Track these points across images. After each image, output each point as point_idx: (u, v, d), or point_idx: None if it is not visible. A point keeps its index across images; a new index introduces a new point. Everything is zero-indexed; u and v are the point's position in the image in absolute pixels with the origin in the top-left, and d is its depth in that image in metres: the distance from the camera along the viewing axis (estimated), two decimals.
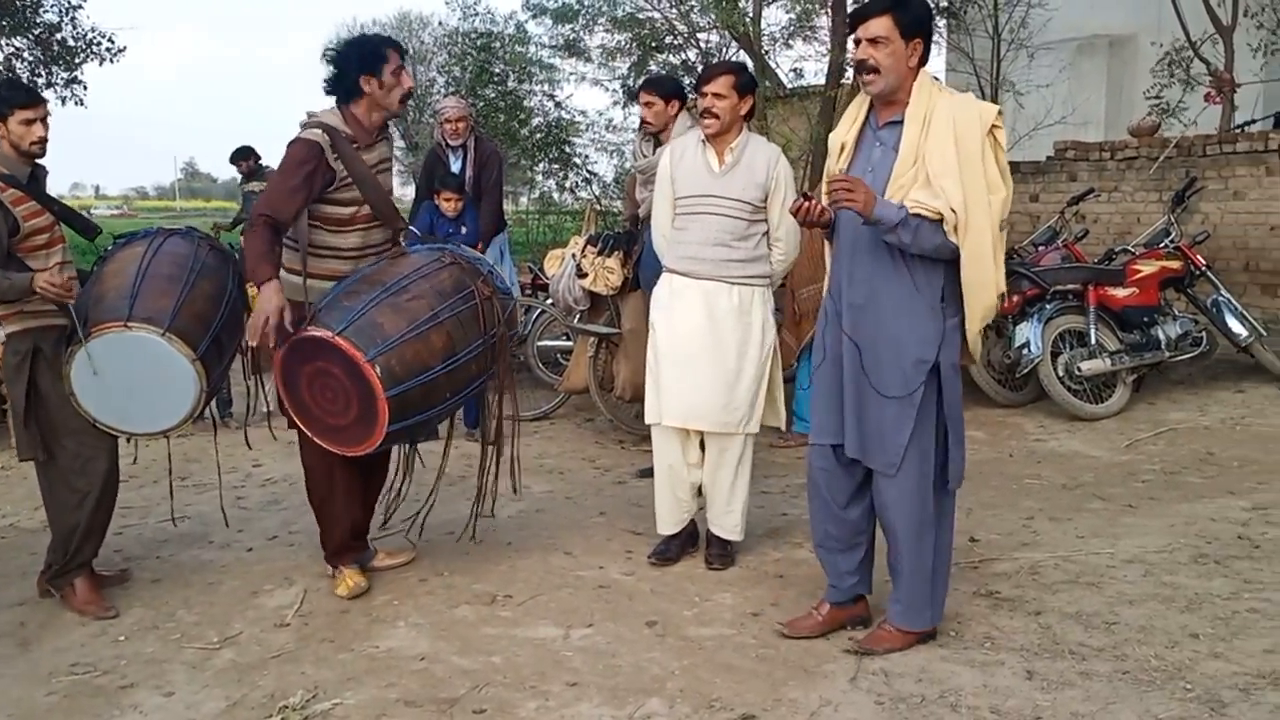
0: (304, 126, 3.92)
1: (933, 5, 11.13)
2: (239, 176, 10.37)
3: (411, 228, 4.24)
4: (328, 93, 4.01)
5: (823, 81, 10.67)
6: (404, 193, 16.17)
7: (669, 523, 4.43)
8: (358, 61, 3.92)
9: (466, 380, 3.96)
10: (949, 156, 3.26)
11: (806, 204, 3.49)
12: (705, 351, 4.19)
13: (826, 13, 10.76)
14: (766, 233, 4.25)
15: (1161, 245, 7.43)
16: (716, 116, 4.16)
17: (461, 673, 3.47)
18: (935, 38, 11.83)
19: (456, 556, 4.47)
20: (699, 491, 4.40)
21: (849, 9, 10.19)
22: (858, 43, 3.35)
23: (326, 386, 3.77)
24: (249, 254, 3.82)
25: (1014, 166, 10.33)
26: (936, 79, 3.47)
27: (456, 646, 3.67)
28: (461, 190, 6.61)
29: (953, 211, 3.23)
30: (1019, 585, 4.05)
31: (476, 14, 12.72)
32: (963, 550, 4.45)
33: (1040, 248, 8.06)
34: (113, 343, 3.67)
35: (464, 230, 6.52)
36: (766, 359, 4.26)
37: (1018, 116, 10.71)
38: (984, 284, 3.31)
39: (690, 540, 4.49)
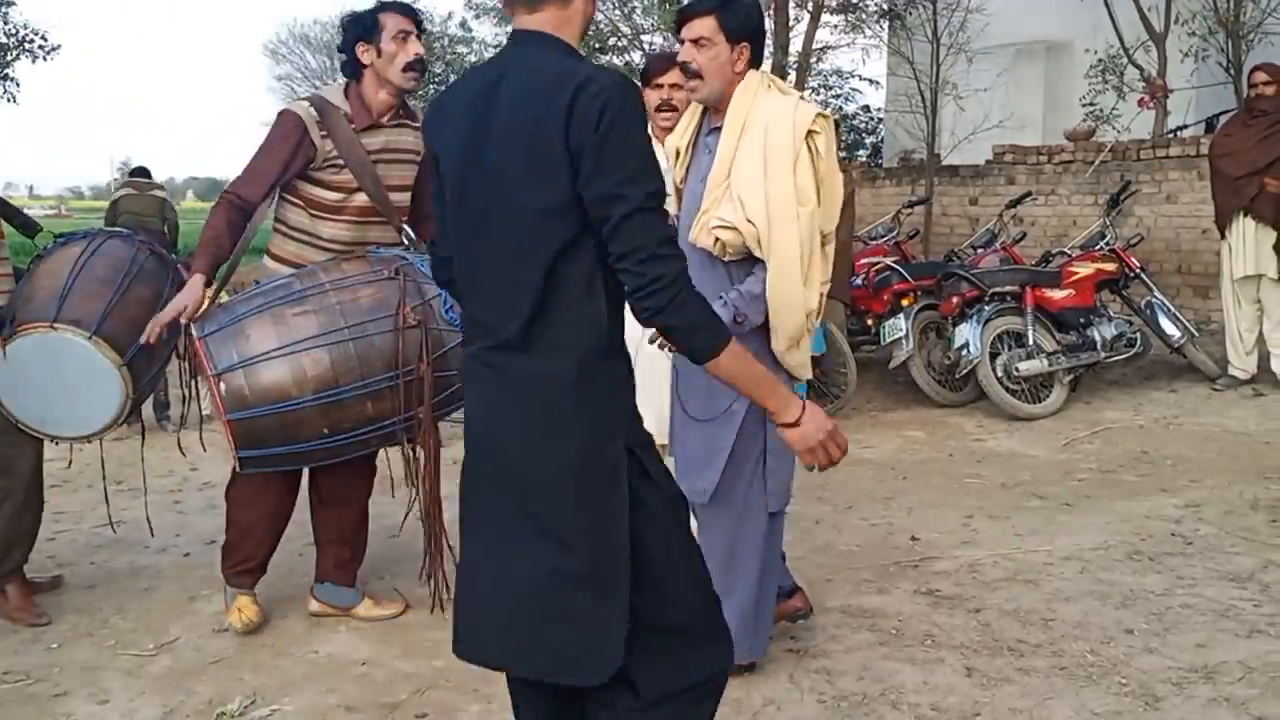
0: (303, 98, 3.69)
1: (876, 8, 11.30)
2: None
3: (408, 229, 3.86)
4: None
5: None
6: None
7: None
8: (353, 30, 3.60)
9: (362, 420, 3.46)
10: (755, 166, 3.08)
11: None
12: (646, 359, 4.05)
13: (769, 15, 10.82)
14: None
15: (1097, 248, 7.56)
16: (675, 109, 4.04)
17: (403, 677, 3.44)
18: (876, 41, 12.09)
19: (403, 560, 4.42)
20: None
21: (790, 10, 10.27)
22: (682, 43, 3.18)
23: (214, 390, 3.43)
24: (202, 234, 3.54)
25: (953, 170, 10.49)
26: (774, 79, 3.28)
27: (398, 651, 3.63)
28: None
29: (750, 224, 3.05)
30: (959, 583, 4.10)
31: None
32: (904, 549, 4.50)
33: (979, 250, 8.17)
34: (37, 343, 3.55)
35: None
36: None
37: (958, 120, 10.84)
38: (791, 303, 3.08)
39: None
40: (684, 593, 2.17)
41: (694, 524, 3.21)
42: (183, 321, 3.41)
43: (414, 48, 3.61)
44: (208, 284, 3.52)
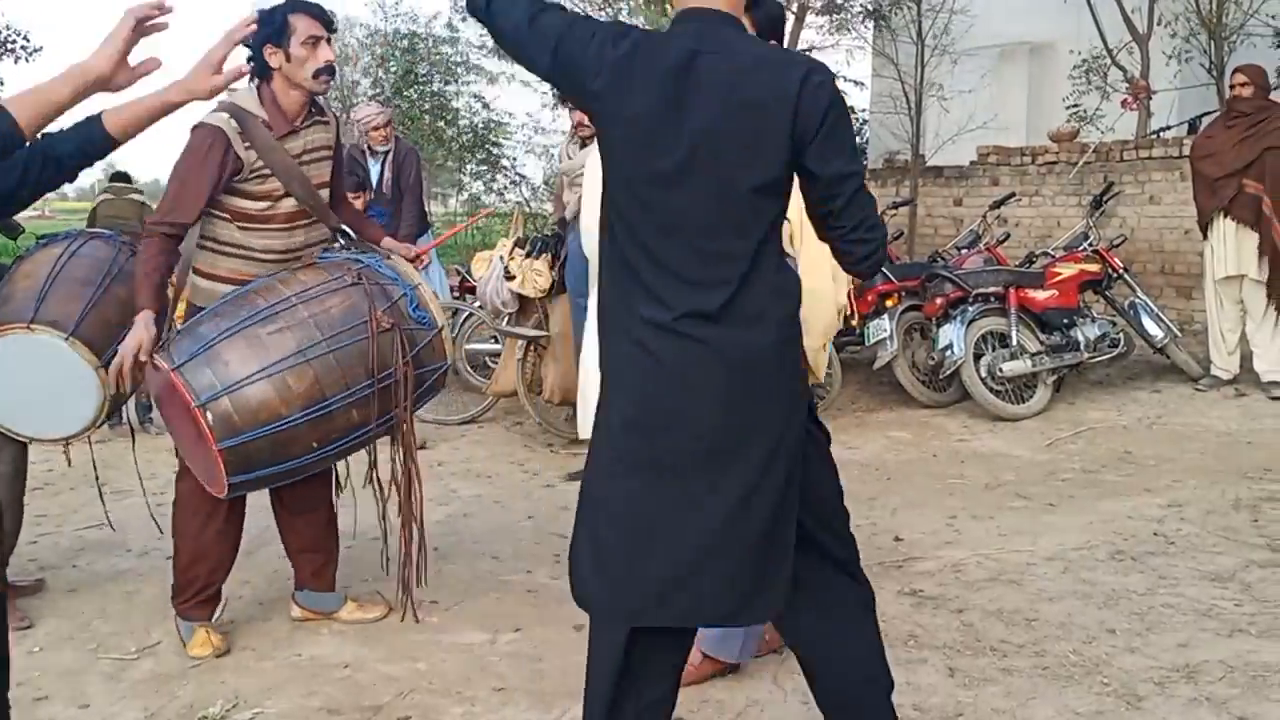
0: (215, 108, 3.49)
1: (860, 9, 11.32)
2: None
3: (345, 227, 3.84)
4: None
5: None
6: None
7: None
8: (261, 31, 3.38)
9: (347, 429, 3.42)
10: None
11: None
12: None
13: None
14: None
15: (1080, 249, 7.59)
16: None
17: (386, 680, 3.43)
18: (860, 43, 12.11)
19: (381, 562, 4.41)
20: None
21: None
22: None
23: (181, 419, 3.32)
24: (136, 271, 3.41)
25: (938, 170, 10.52)
26: None
27: (381, 653, 3.62)
28: (360, 189, 6.45)
29: (786, 219, 3.17)
30: (942, 583, 4.11)
31: (398, 14, 12.62)
32: (887, 549, 4.50)
33: (963, 251, 8.19)
34: (14, 344, 3.52)
35: None
36: None
37: (942, 121, 10.88)
38: (824, 298, 3.16)
39: None
40: (846, 529, 2.49)
41: None
42: (142, 359, 3.29)
43: (324, 54, 3.49)
44: (156, 319, 3.39)
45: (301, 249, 3.62)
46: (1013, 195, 8.89)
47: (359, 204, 6.35)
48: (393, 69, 12.51)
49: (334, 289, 3.44)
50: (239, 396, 3.22)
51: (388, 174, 7.11)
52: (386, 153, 7.10)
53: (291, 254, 3.60)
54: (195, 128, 3.44)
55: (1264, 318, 7.06)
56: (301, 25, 3.44)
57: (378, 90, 13.20)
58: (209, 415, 3.19)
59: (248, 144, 3.43)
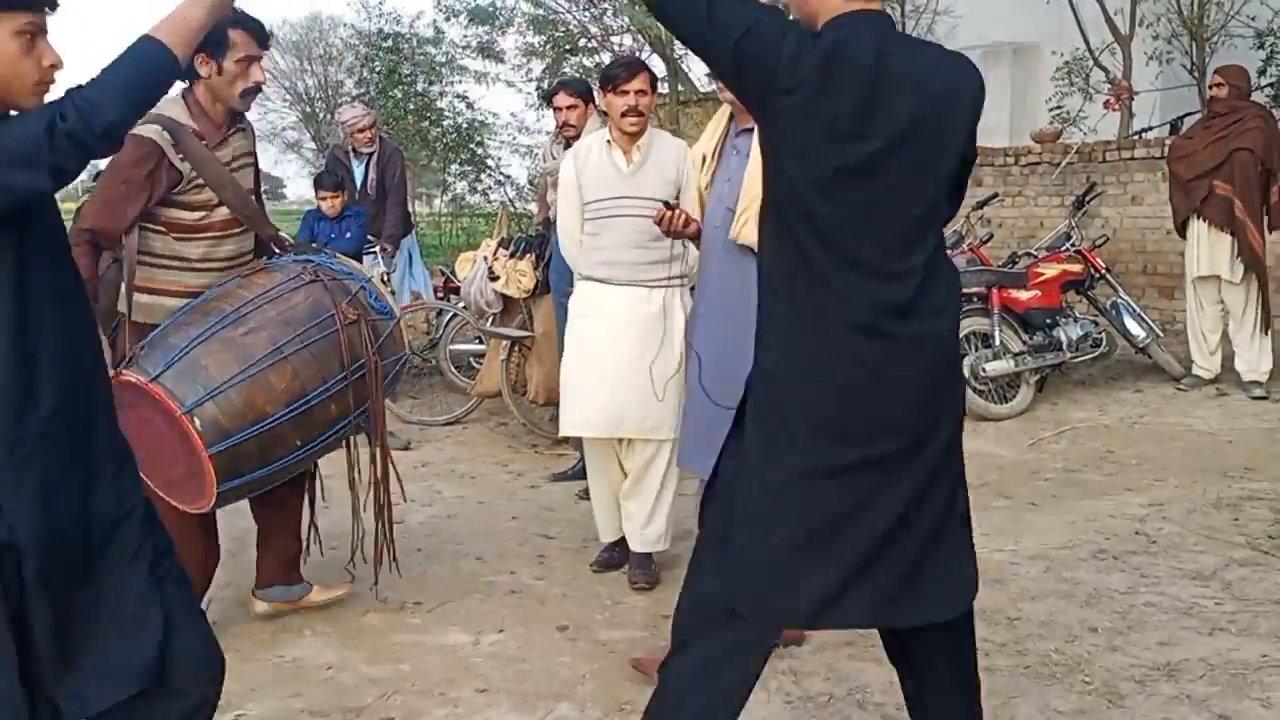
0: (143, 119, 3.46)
1: None
2: None
3: (283, 233, 3.86)
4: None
5: None
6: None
7: (608, 529, 4.35)
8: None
9: (326, 423, 3.48)
10: None
11: (670, 213, 3.52)
12: (626, 360, 4.05)
13: None
14: None
15: (1063, 249, 7.61)
16: (642, 114, 4.08)
17: (369, 681, 3.43)
18: None
19: (364, 563, 4.40)
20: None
21: None
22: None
23: (154, 436, 3.25)
24: None
25: None
26: None
27: (364, 655, 3.62)
28: (339, 189, 6.42)
29: None
30: None
31: (381, 14, 12.58)
32: None
33: (947, 251, 8.20)
34: None
35: (348, 236, 6.31)
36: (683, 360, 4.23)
37: None
38: None
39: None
40: None
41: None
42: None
43: (255, 74, 3.49)
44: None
45: (236, 256, 3.63)
46: (996, 195, 8.91)
47: (338, 204, 6.33)
48: (377, 69, 12.48)
49: (294, 287, 3.47)
50: (224, 400, 3.23)
51: (372, 174, 7.10)
52: (371, 154, 7.09)
53: (228, 261, 3.60)
54: (132, 139, 3.33)
55: (1243, 318, 7.10)
56: (240, 41, 3.43)
57: (362, 90, 13.16)
58: (197, 422, 3.19)
59: (181, 155, 3.41)
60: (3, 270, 2.01)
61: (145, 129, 3.37)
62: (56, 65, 2.11)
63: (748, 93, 2.26)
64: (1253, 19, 9.88)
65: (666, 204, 3.64)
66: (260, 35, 3.49)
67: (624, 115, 4.06)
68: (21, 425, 2.03)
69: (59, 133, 1.99)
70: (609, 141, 4.17)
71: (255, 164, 3.77)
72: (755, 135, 3.22)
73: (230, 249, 3.61)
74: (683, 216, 3.56)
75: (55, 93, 2.11)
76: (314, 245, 3.96)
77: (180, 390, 3.20)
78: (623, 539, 4.33)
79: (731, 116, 3.49)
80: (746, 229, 3.28)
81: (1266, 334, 7.08)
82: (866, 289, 2.20)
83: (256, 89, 3.54)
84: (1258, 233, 6.91)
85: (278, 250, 3.73)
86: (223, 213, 3.54)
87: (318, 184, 6.50)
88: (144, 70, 2.10)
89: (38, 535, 2.03)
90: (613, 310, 4.13)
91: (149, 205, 3.41)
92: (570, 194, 4.25)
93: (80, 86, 2.05)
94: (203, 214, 3.51)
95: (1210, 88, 7.19)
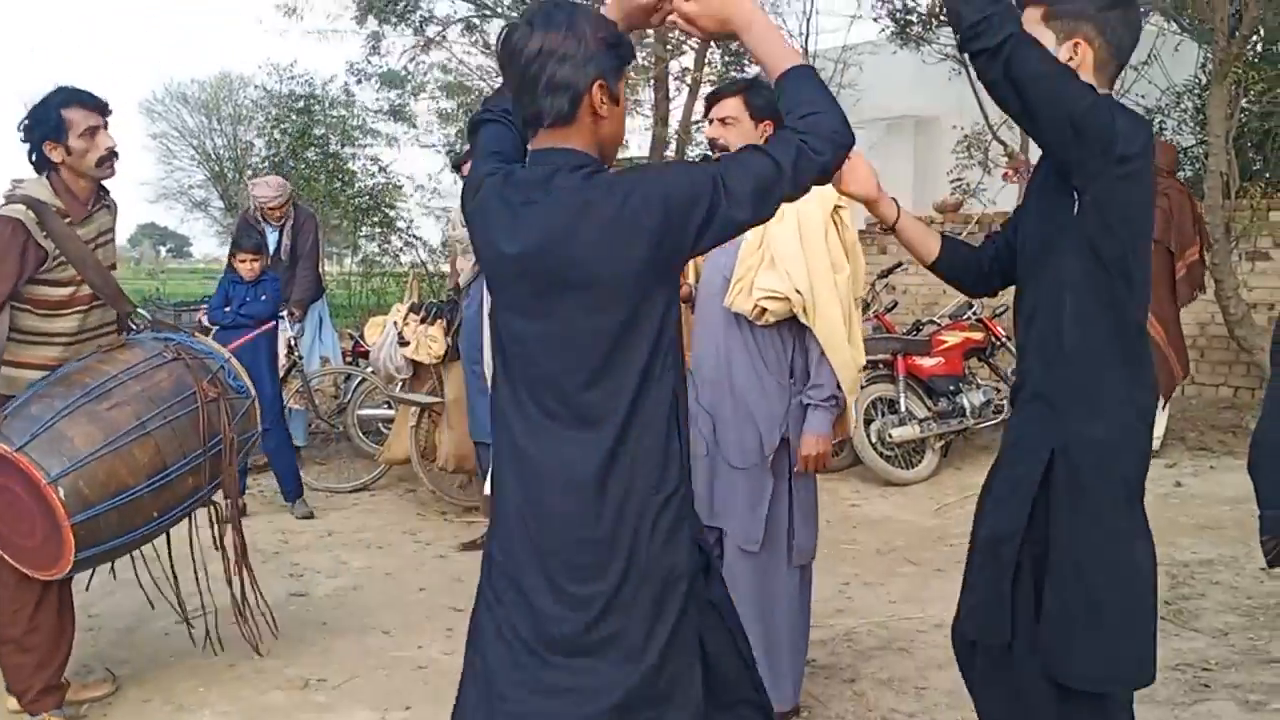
0: (7, 199, 3.48)
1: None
2: None
3: (141, 309, 3.82)
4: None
5: (647, 153, 10.91)
6: (221, 253, 15.70)
7: None
8: (38, 131, 3.46)
9: (183, 496, 3.56)
10: (792, 240, 3.37)
11: None
12: None
13: (649, 86, 11.04)
14: None
15: (965, 317, 7.80)
16: None
17: None
18: None
19: (267, 638, 4.29)
20: None
21: (670, 86, 10.49)
22: (711, 122, 3.43)
23: (10, 504, 3.30)
24: None
25: None
26: None
27: None
28: (260, 251, 6.35)
29: (798, 293, 3.33)
30: (834, 652, 4.14)
31: (293, 77, 12.54)
32: None
33: None
34: None
35: (263, 298, 6.24)
36: None
37: None
38: (845, 362, 3.41)
39: None
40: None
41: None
42: None
43: (104, 141, 3.53)
44: None
45: (97, 328, 3.65)
46: (900, 265, 9.11)
47: (257, 267, 6.25)
48: (288, 131, 12.40)
49: (158, 365, 3.57)
50: (88, 471, 3.29)
51: (285, 240, 7.05)
52: (284, 221, 7.03)
53: (86, 334, 3.62)
54: None
55: None
56: (77, 118, 3.46)
57: (273, 151, 13.07)
58: (60, 490, 3.23)
59: (45, 234, 3.43)
60: None
61: (9, 209, 3.41)
62: None
63: (1080, 155, 2.31)
64: (1142, 96, 10.31)
65: None
66: (96, 105, 3.53)
67: None
68: None
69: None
70: None
71: (113, 239, 3.77)
72: None
73: (95, 320, 3.64)
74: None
75: None
76: (172, 324, 3.98)
77: (45, 460, 3.24)
78: None
79: None
80: (739, 298, 3.39)
81: (1164, 407, 7.32)
82: (1031, 376, 2.50)
83: (110, 154, 3.56)
84: (1150, 310, 7.14)
85: (134, 327, 3.74)
86: (87, 288, 3.56)
87: (236, 244, 6.39)
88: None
89: None
90: None
91: (18, 285, 3.41)
92: None
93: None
94: (71, 289, 3.54)
95: None
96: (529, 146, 2.14)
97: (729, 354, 3.46)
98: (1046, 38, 2.35)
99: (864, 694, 3.75)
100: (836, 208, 3.41)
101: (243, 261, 6.24)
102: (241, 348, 5.96)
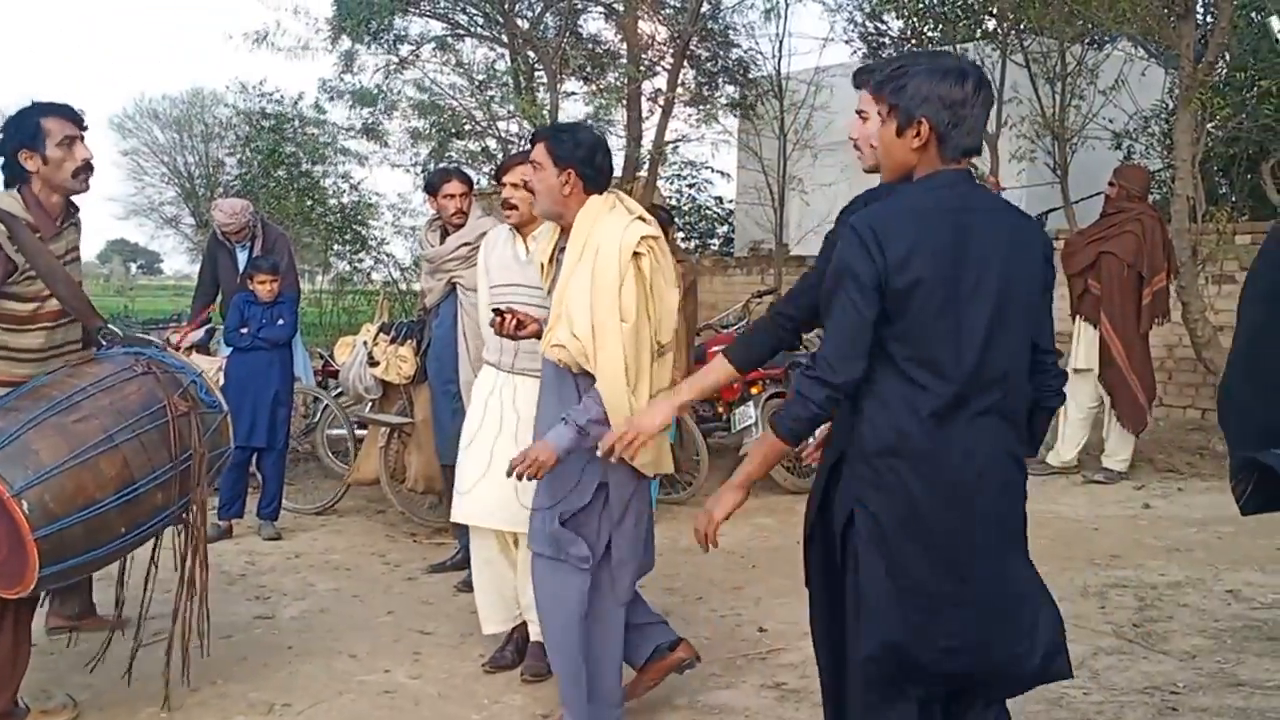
0: None
1: (725, 103, 11.64)
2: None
3: (111, 325, 3.81)
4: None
5: (619, 174, 10.91)
6: (192, 270, 15.59)
7: (493, 620, 4.17)
8: (14, 138, 3.47)
9: (150, 512, 3.50)
10: (584, 287, 3.37)
11: (502, 319, 3.64)
12: (505, 450, 3.83)
13: (623, 105, 11.06)
14: None
15: None
16: (515, 206, 4.13)
17: None
18: (726, 135, 12.44)
19: (232, 662, 4.24)
20: None
21: (644, 105, 10.51)
22: (504, 186, 3.59)
23: None
24: None
25: (801, 260, 10.83)
26: (623, 197, 3.57)
27: None
28: (276, 271, 6.30)
29: (575, 339, 3.34)
30: (805, 675, 4.12)
31: (263, 94, 12.47)
32: (752, 641, 4.52)
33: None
34: None
35: (280, 321, 6.22)
36: None
37: (804, 212, 11.19)
38: (621, 410, 3.29)
39: (525, 645, 4.21)
40: None
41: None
42: None
43: (81, 152, 3.54)
44: None
45: (62, 345, 3.66)
46: (773, 290, 9.23)
47: (276, 288, 6.22)
48: (258, 148, 12.32)
49: (127, 378, 3.52)
50: (54, 484, 3.23)
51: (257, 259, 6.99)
52: (252, 241, 6.96)
53: (52, 350, 3.63)
54: None
55: (1112, 409, 7.40)
56: (55, 127, 3.49)
57: (244, 169, 12.97)
58: (25, 504, 3.17)
59: (16, 247, 3.43)
60: None
61: None
62: None
63: None
64: (1110, 121, 10.42)
65: (497, 311, 3.69)
66: (73, 117, 3.54)
67: (502, 206, 4.17)
68: None
69: None
70: (513, 230, 4.21)
71: (79, 257, 3.76)
72: (565, 257, 3.45)
73: (60, 337, 3.64)
74: (513, 320, 3.63)
75: None
76: (138, 338, 3.90)
77: (9, 473, 3.19)
78: (515, 635, 4.23)
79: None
80: (546, 347, 3.45)
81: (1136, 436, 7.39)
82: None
83: (87, 166, 3.56)
84: (1117, 333, 7.21)
85: (105, 342, 3.71)
86: (54, 303, 3.55)
87: (255, 266, 6.33)
88: None
89: None
90: (501, 398, 4.04)
91: None
92: (483, 280, 4.29)
93: None
94: (36, 305, 3.53)
95: (1106, 186, 7.57)
96: None
97: (545, 391, 3.57)
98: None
99: None
100: (636, 254, 3.37)
101: (261, 283, 6.20)
102: (258, 368, 6.01)
